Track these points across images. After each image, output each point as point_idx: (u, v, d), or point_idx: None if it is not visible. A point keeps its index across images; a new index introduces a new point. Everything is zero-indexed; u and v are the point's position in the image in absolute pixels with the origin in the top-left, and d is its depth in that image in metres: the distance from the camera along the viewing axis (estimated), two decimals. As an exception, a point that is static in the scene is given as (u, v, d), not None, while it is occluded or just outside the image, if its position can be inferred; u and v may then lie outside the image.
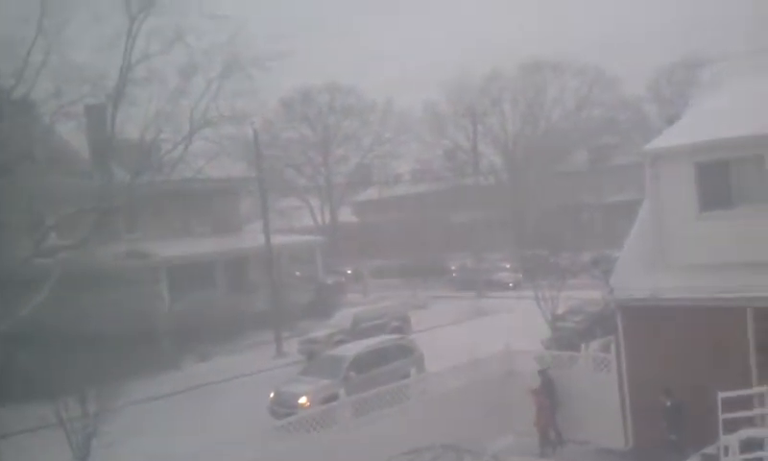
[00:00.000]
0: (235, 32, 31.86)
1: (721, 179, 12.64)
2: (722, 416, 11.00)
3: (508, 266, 40.00)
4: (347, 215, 57.13)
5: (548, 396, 16.07)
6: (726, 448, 10.56)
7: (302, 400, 18.29)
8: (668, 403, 13.56)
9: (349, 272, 44.16)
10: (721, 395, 11.12)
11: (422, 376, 18.71)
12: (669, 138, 14.52)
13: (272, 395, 19.05)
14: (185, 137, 32.67)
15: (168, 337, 26.41)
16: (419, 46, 58.23)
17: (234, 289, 32.18)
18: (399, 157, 56.52)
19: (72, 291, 20.35)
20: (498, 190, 51.57)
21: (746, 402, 11.46)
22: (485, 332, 23.48)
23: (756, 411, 11.50)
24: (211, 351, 27.11)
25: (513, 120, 53.79)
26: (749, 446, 10.43)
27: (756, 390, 11.70)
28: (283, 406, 18.00)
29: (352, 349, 20.86)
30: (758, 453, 10.21)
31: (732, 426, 10.76)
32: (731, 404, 11.11)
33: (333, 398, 16.82)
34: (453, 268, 42.38)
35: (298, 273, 37.91)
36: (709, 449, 11.27)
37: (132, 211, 30.42)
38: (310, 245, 38.69)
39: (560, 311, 23.15)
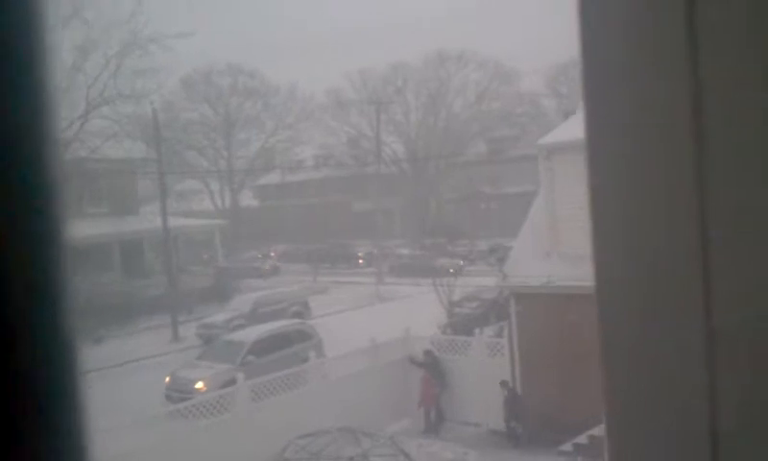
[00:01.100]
0: (135, 9, 31.03)
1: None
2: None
3: (406, 252, 40.70)
4: (248, 199, 56.55)
5: (434, 376, 16.58)
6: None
7: (199, 384, 18.17)
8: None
9: (259, 256, 43.88)
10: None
11: (321, 360, 18.90)
12: (563, 133, 15.22)
13: (167, 379, 18.82)
14: (81, 115, 31.72)
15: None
16: (323, 32, 57.85)
17: (130, 272, 31.44)
18: (302, 142, 56.33)
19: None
20: (400, 179, 52.25)
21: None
22: (384, 318, 23.85)
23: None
24: (105, 335, 26.44)
25: (415, 110, 54.53)
26: None
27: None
28: (179, 391, 17.81)
29: (251, 333, 20.81)
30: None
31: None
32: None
33: (231, 383, 16.78)
34: (360, 255, 42.70)
35: (204, 256, 37.38)
36: (596, 431, 11.90)
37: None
38: (209, 228, 38.16)
39: (456, 298, 23.74)
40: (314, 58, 60.51)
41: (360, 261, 41.65)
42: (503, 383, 15.23)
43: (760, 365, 0.78)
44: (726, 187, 0.79)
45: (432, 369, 16.76)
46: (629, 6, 0.83)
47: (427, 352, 17.10)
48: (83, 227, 30.34)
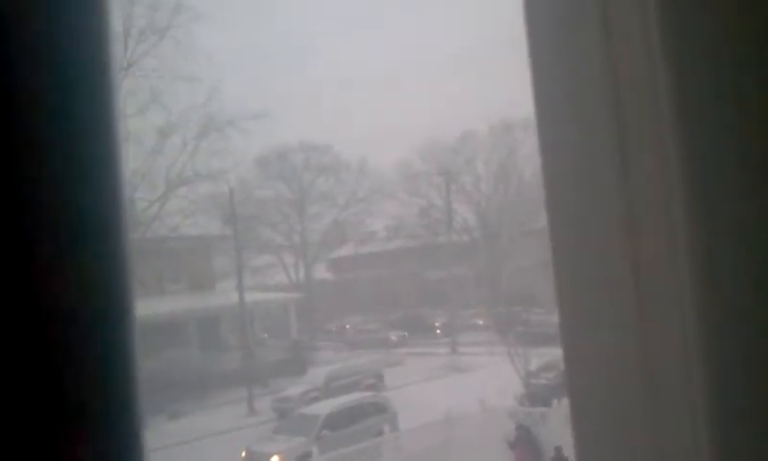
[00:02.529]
0: (210, 93, 32.34)
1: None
2: None
3: (481, 323, 40.16)
4: (321, 272, 57.09)
5: (531, 450, 16.04)
6: None
7: (275, 458, 18.13)
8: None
9: (334, 328, 44.07)
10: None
11: (396, 434, 18.67)
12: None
13: (243, 454, 18.84)
14: (161, 196, 32.88)
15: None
16: (391, 106, 58.87)
17: (207, 347, 31.90)
18: (374, 214, 56.85)
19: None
20: (472, 248, 52.01)
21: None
22: (459, 389, 23.44)
23: None
24: (182, 410, 26.72)
25: (486, 178, 54.56)
26: None
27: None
28: (255, 466, 17.82)
29: (325, 406, 20.74)
30: None
31: None
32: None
33: (306, 457, 16.74)
34: (437, 324, 42.42)
35: (266, 335, 37.74)
36: None
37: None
38: (284, 302, 38.57)
39: (532, 367, 23.21)
40: (383, 133, 61.51)
41: (438, 331, 41.27)
42: (557, 448, 14.68)
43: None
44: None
45: (528, 443, 16.25)
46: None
47: (520, 427, 16.59)
48: (161, 304, 31.11)
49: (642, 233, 0.85)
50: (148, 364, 28.19)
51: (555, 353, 24.50)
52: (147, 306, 30.10)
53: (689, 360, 0.79)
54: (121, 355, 0.55)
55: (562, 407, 17.15)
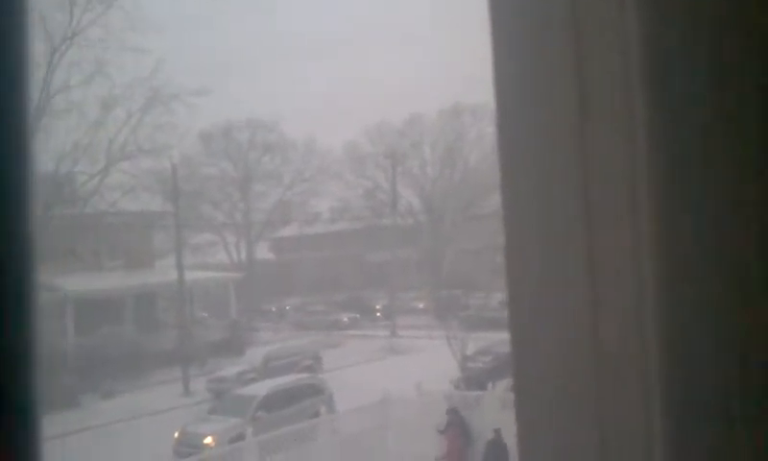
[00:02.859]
0: (156, 66, 31.64)
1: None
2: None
3: (421, 306, 40.48)
4: (264, 252, 56.74)
5: (461, 434, 16.25)
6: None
7: (208, 439, 18.01)
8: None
9: (274, 309, 43.86)
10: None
11: (332, 416, 18.72)
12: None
13: (176, 434, 18.67)
14: (101, 170, 32.18)
15: (69, 374, 25.51)
16: (341, 87, 58.57)
17: (143, 325, 31.44)
18: (319, 195, 56.65)
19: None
20: (416, 231, 52.25)
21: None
22: (397, 372, 23.58)
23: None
24: (116, 389, 26.32)
25: (432, 163, 54.76)
26: None
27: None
28: (188, 446, 17.66)
29: (262, 387, 20.68)
30: None
31: None
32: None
33: (241, 437, 16.66)
34: (378, 307, 42.57)
35: (205, 314, 37.38)
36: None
37: (41, 244, 29.63)
38: (224, 281, 38.22)
39: (469, 351, 23.47)
40: (332, 112, 61.16)
41: (378, 314, 41.44)
42: (496, 431, 14.96)
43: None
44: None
45: (458, 427, 16.44)
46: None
47: (451, 411, 16.77)
48: (98, 280, 30.54)
49: (599, 220, 0.86)
50: (83, 340, 27.72)
51: (492, 338, 24.85)
52: (83, 282, 29.53)
53: (644, 346, 0.80)
54: (21, 335, 0.56)
55: (496, 391, 17.39)
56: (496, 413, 16.46)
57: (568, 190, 0.88)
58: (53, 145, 29.12)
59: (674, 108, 0.78)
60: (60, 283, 28.71)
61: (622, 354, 0.84)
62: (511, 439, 15.03)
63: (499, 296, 38.33)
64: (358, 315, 41.16)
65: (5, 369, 0.54)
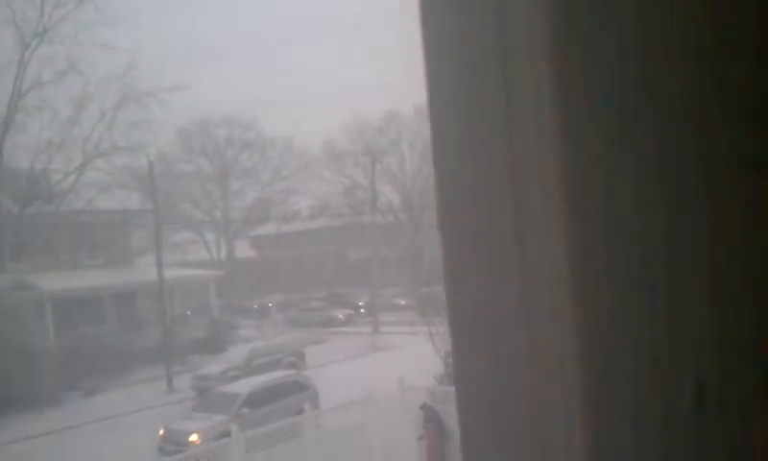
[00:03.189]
0: (129, 62, 31.42)
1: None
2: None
3: (403, 303, 40.58)
4: (243, 250, 56.60)
5: (438, 431, 16.39)
6: None
7: (193, 437, 17.97)
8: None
9: (256, 306, 43.76)
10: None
11: (316, 412, 18.75)
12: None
13: (161, 432, 18.62)
14: (77, 167, 31.91)
15: (50, 373, 25.34)
16: (318, 85, 58.56)
17: (124, 323, 31.27)
18: (298, 192, 56.60)
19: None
20: (396, 228, 52.41)
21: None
22: (380, 368, 23.72)
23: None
24: (98, 387, 26.17)
25: (410, 160, 54.93)
26: None
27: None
28: (173, 444, 17.60)
29: (246, 385, 20.67)
30: None
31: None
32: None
33: (226, 435, 16.63)
34: (361, 303, 42.59)
35: (189, 312, 37.23)
36: None
37: (18, 242, 29.38)
38: (204, 279, 38.08)
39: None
40: (310, 109, 61.04)
41: (361, 310, 41.47)
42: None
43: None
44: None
45: (434, 423, 16.58)
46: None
47: (425, 406, 16.90)
48: (77, 278, 30.29)
49: (529, 220, 0.87)
50: (63, 339, 27.52)
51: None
52: (62, 280, 29.30)
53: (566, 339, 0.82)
54: None
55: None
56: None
57: (498, 185, 0.90)
58: (27, 142, 28.89)
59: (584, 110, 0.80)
60: (39, 282, 28.49)
61: (552, 352, 0.86)
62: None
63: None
64: (352, 311, 41.13)
65: None
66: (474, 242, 0.94)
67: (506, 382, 0.93)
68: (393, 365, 22.87)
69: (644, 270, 0.79)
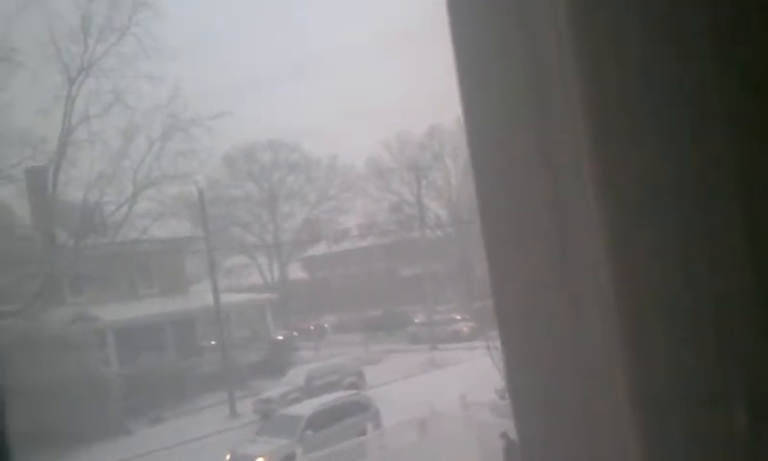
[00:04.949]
0: (173, 92, 31.89)
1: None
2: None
3: (458, 317, 40.29)
4: (296, 271, 56.95)
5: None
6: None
7: (259, 460, 18.11)
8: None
9: (312, 328, 43.85)
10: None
11: (379, 431, 18.73)
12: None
13: (228, 457, 18.79)
14: (129, 198, 32.46)
15: (117, 402, 25.78)
16: (356, 102, 58.79)
17: (184, 350, 31.66)
18: (346, 211, 56.81)
19: (16, 358, 19.89)
20: (445, 243, 52.21)
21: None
22: (441, 385, 23.56)
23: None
24: (163, 415, 26.53)
25: (455, 173, 54.72)
26: None
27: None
28: (240, 469, 17.79)
29: (308, 406, 20.76)
30: None
31: None
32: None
33: (291, 457, 16.73)
34: (416, 321, 42.32)
35: (244, 335, 37.50)
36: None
37: (76, 275, 29.96)
38: (260, 302, 38.41)
39: (512, 360, 23.40)
40: (351, 128, 61.28)
41: (416, 328, 41.13)
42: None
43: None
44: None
45: (508, 452, 16.48)
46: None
47: (503, 435, 16.75)
48: (135, 308, 30.80)
49: (566, 217, 0.88)
50: (126, 369, 27.97)
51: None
52: (121, 310, 29.82)
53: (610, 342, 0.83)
54: None
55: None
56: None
57: (537, 193, 0.92)
58: (79, 175, 29.43)
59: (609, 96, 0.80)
60: (99, 313, 29.04)
61: (603, 352, 0.86)
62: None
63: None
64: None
65: None
66: (516, 246, 0.94)
67: (557, 386, 0.92)
68: (453, 381, 22.74)
69: (684, 264, 0.78)
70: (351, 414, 20.35)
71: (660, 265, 0.78)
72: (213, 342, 31.92)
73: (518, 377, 0.97)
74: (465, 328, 36.85)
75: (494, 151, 0.96)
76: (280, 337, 37.37)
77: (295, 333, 41.07)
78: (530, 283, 0.93)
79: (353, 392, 23.32)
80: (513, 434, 15.71)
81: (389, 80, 55.66)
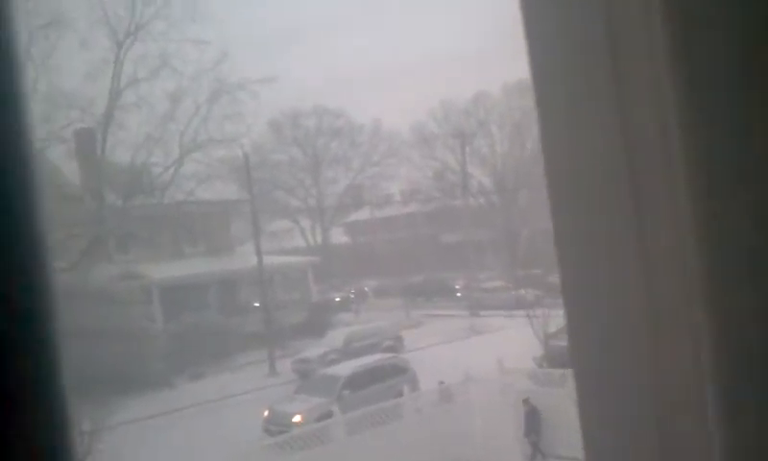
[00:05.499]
0: (220, 56, 32.09)
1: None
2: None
3: (500, 285, 40.16)
4: (338, 236, 57.30)
5: (530, 425, 16.41)
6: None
7: (297, 418, 18.39)
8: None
9: (352, 293, 44.18)
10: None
11: (416, 394, 18.87)
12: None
13: (266, 413, 19.14)
14: (176, 161, 32.93)
15: (160, 357, 26.39)
16: (403, 67, 58.47)
17: (227, 309, 32.20)
18: (389, 178, 56.79)
19: (64, 311, 20.42)
20: (489, 211, 51.90)
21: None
22: (478, 351, 23.59)
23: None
24: (204, 371, 27.09)
25: (500, 140, 54.19)
26: None
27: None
28: (277, 425, 18.08)
29: (346, 368, 21.01)
30: None
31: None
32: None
33: (327, 416, 16.98)
34: (457, 287, 42.36)
35: (286, 297, 37.90)
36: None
37: (124, 234, 30.58)
38: (302, 265, 38.79)
39: (552, 329, 23.27)
40: (396, 91, 61.01)
41: (458, 294, 41.16)
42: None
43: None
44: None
45: (529, 418, 16.59)
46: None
47: (525, 401, 16.84)
48: (180, 267, 31.37)
49: (645, 194, 0.85)
50: (170, 326, 28.58)
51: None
52: (166, 269, 30.39)
53: (694, 320, 0.78)
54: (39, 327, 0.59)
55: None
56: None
57: (612, 166, 0.88)
58: (126, 138, 29.90)
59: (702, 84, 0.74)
60: (145, 271, 29.65)
61: (676, 326, 0.84)
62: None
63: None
64: (438, 296, 40.72)
65: (27, 365, 0.59)
66: (591, 232, 0.91)
67: (624, 378, 0.88)
68: (491, 348, 22.72)
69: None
70: (389, 376, 20.54)
71: (747, 255, 0.74)
72: (256, 303, 32.34)
73: (582, 359, 0.99)
74: (506, 296, 36.61)
75: (568, 128, 0.93)
76: (338, 298, 37.73)
77: (337, 298, 41.37)
78: (602, 258, 0.92)
79: (391, 355, 23.51)
80: (535, 401, 15.89)
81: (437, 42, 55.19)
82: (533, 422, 16.15)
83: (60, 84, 25.87)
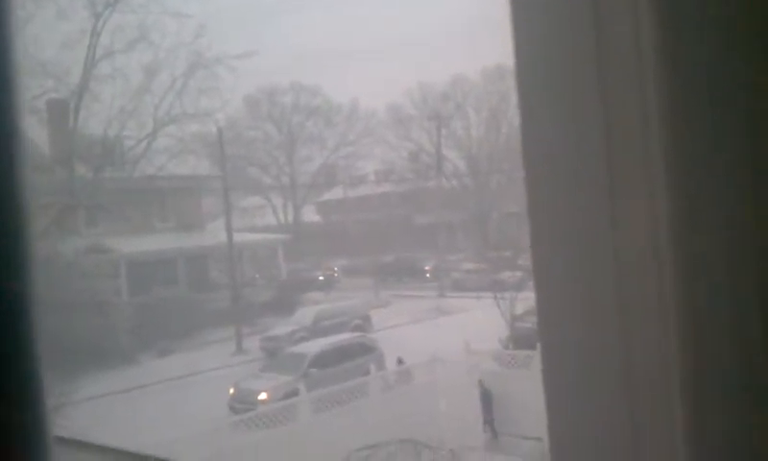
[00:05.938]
0: (198, 30, 31.75)
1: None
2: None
3: (469, 267, 40.35)
4: (310, 214, 57.20)
5: (485, 409, 16.62)
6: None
7: (262, 395, 18.40)
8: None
9: (322, 271, 44.15)
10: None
11: (382, 373, 18.97)
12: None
13: (231, 390, 19.12)
14: (149, 134, 32.61)
15: (126, 332, 26.22)
16: (382, 47, 58.27)
17: (196, 285, 32.04)
18: (364, 157, 56.72)
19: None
20: (461, 193, 52.08)
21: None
22: (445, 332, 23.74)
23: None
24: (171, 347, 26.97)
25: (476, 125, 54.31)
26: None
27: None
28: (243, 402, 18.07)
29: (313, 346, 21.03)
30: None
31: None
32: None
33: (293, 394, 16.98)
34: (427, 268, 42.52)
35: (257, 275, 37.82)
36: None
37: (92, 206, 30.27)
38: (272, 243, 38.69)
39: (518, 311, 23.46)
40: (375, 71, 60.81)
41: (427, 275, 41.33)
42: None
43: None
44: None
45: (484, 399, 16.81)
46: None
47: (479, 383, 17.07)
48: (150, 241, 31.13)
49: (621, 181, 0.86)
50: (137, 300, 28.39)
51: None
52: (135, 243, 30.14)
53: (664, 302, 0.80)
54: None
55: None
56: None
57: (591, 159, 0.88)
58: (100, 109, 29.56)
59: (686, 77, 0.75)
60: (113, 245, 29.38)
61: (645, 309, 0.85)
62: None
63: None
64: (407, 277, 40.79)
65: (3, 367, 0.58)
66: (565, 230, 0.90)
67: (592, 356, 0.88)
68: (458, 329, 22.88)
69: (739, 259, 0.75)
70: (356, 355, 20.61)
71: (723, 254, 0.76)
72: (225, 279, 32.24)
73: (554, 341, 1.00)
74: (474, 277, 36.74)
75: (547, 110, 0.94)
76: (321, 278, 37.71)
77: (321, 277, 41.21)
78: (574, 248, 0.91)
79: (359, 334, 23.56)
80: (499, 381, 16.17)
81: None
82: (486, 403, 16.48)
83: (36, 53, 25.45)
